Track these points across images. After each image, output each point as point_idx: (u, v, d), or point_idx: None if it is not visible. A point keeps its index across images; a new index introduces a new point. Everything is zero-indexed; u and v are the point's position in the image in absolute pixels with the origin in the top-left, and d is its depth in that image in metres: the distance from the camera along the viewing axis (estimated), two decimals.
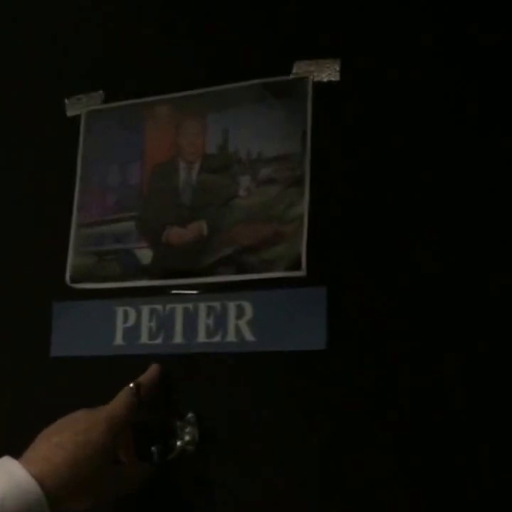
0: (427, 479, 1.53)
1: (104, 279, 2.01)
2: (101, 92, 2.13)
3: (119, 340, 1.97)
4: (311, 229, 1.79)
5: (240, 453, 1.86)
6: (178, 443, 1.92)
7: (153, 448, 1.89)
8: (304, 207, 1.81)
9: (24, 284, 2.19)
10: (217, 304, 1.86)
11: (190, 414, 1.93)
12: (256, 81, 1.89)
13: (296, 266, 1.79)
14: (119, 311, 1.97)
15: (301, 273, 1.79)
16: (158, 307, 1.93)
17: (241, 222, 1.87)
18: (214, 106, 1.91)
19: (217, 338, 1.85)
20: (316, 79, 1.82)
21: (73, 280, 2.05)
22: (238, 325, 1.83)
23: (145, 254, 1.98)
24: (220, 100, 1.91)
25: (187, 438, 1.93)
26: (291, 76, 1.85)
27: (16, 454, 1.52)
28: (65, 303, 2.04)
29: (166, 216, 1.97)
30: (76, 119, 2.24)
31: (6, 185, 2.16)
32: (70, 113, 2.28)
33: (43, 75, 2.17)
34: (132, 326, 1.95)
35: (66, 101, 2.28)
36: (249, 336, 1.82)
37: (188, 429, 1.93)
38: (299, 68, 1.84)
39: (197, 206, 1.93)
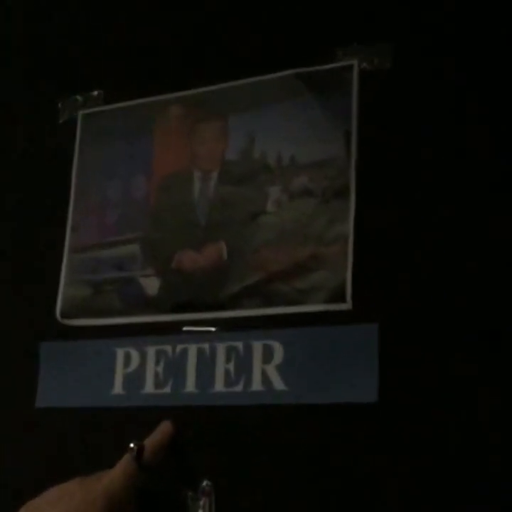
0: None
1: (102, 314, 1.83)
2: (100, 91, 1.94)
3: (118, 388, 1.77)
4: (357, 251, 1.57)
5: None
6: None
7: None
8: (348, 224, 1.58)
9: (7, 320, 1.98)
10: (239, 344, 1.64)
11: (205, 483, 1.64)
12: (288, 72, 1.68)
13: (340, 297, 1.56)
14: (120, 353, 1.77)
15: (346, 306, 1.56)
16: (167, 348, 1.70)
17: (269, 243, 1.65)
18: (236, 104, 1.73)
19: (238, 387, 1.62)
20: (363, 67, 1.61)
21: (64, 315, 1.88)
22: (265, 370, 1.60)
23: (151, 284, 1.76)
24: (244, 97, 1.72)
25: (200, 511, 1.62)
26: (332, 65, 1.64)
27: None
28: (55, 343, 1.87)
29: (177, 237, 1.75)
30: (71, 123, 2.02)
31: None
32: (64, 117, 2.04)
33: (32, 75, 2.11)
34: (135, 370, 1.73)
35: (59, 104, 2.05)
36: (278, 385, 1.59)
37: (202, 501, 1.63)
38: (343, 55, 1.64)
39: (215, 225, 1.71)
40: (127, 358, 1.77)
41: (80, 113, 2.00)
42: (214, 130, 1.76)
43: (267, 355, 1.59)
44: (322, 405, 1.57)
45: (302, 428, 1.59)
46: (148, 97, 1.85)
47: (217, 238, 1.69)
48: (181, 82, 1.80)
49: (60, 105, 2.03)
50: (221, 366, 1.67)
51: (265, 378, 1.59)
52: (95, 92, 1.99)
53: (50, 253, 1.94)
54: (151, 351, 1.75)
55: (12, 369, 1.93)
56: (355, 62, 1.62)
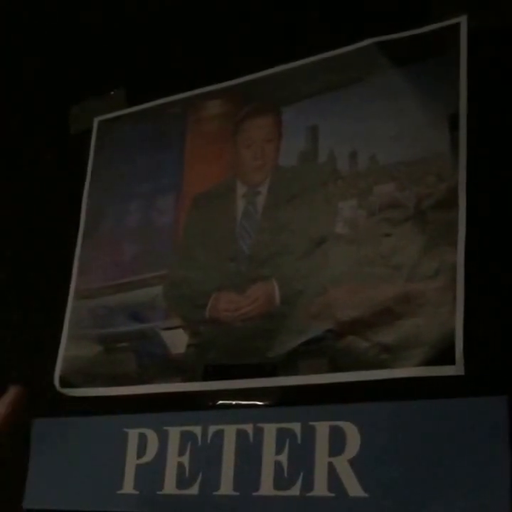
0: None
1: (112, 381, 1.48)
2: (120, 90, 1.66)
3: (129, 486, 1.39)
4: (470, 288, 1.18)
5: None
6: None
7: None
8: (456, 248, 1.20)
9: None
10: (295, 427, 1.26)
11: None
12: (365, 42, 1.38)
13: (445, 356, 1.17)
14: (133, 436, 1.42)
15: (455, 370, 1.16)
16: (196, 430, 1.36)
17: (340, 280, 1.29)
18: (292, 92, 1.46)
19: (294, 491, 1.24)
20: (473, 26, 1.28)
21: (64, 383, 1.53)
22: (334, 466, 1.21)
23: (177, 339, 1.44)
24: (301, 81, 1.44)
25: None
26: (429, 26, 1.31)
27: None
28: (51, 420, 1.52)
29: (213, 275, 1.43)
30: (84, 134, 1.69)
31: None
32: (77, 127, 1.70)
33: (40, 77, 1.80)
34: (152, 461, 1.38)
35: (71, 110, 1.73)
36: (353, 489, 1.18)
37: None
38: (440, 10, 1.31)
39: (264, 257, 1.39)
40: (142, 443, 1.41)
41: (96, 120, 1.69)
42: (264, 127, 1.46)
43: (337, 444, 1.22)
44: None
45: None
46: (179, 93, 1.59)
47: (267, 275, 1.37)
48: (219, 71, 1.55)
49: (72, 112, 1.73)
50: (270, 457, 1.27)
51: (334, 478, 1.20)
52: (114, 92, 1.68)
53: (51, 300, 1.61)
54: (174, 433, 1.38)
55: None
56: (462, 19, 1.28)
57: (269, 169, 1.42)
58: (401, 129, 1.30)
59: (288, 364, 1.30)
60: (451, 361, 1.15)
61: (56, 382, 1.54)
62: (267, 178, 1.42)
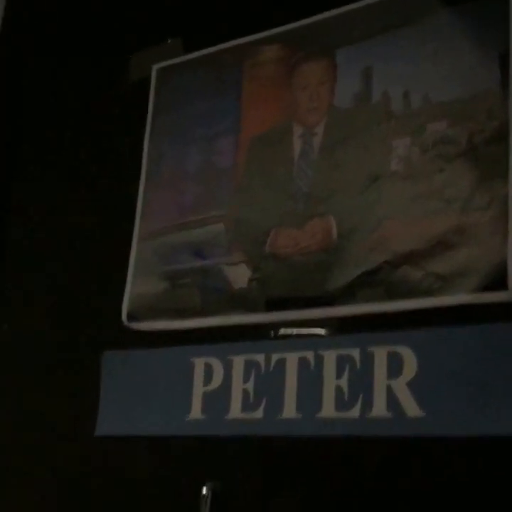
0: None
1: (178, 315, 1.52)
2: (177, 39, 1.68)
3: (196, 412, 1.45)
4: None
5: None
6: None
7: None
8: (508, 183, 1.22)
9: (62, 324, 1.68)
10: (355, 352, 1.31)
11: None
12: None
13: (497, 283, 1.19)
14: (199, 365, 1.47)
15: (507, 296, 1.18)
16: (259, 358, 1.41)
17: (395, 214, 1.32)
18: (345, 34, 1.47)
19: (354, 412, 1.29)
20: None
21: (132, 317, 1.57)
22: (392, 388, 1.26)
23: (240, 273, 1.47)
24: (355, 24, 1.46)
25: None
26: None
27: None
28: (120, 352, 1.57)
29: (272, 213, 1.46)
30: (143, 81, 1.71)
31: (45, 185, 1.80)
32: (136, 75, 1.73)
33: (97, 29, 1.83)
34: (218, 388, 1.43)
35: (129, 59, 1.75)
36: (411, 408, 1.23)
37: None
38: None
39: (320, 194, 1.41)
40: (208, 372, 1.46)
41: (155, 68, 1.71)
42: (318, 70, 1.48)
43: (395, 367, 1.27)
44: (474, 438, 1.18)
45: (444, 469, 1.20)
46: (235, 39, 1.60)
47: (324, 212, 1.40)
48: (274, 16, 1.56)
49: (131, 60, 1.75)
50: (331, 382, 1.32)
51: (392, 400, 1.26)
52: (171, 41, 1.70)
53: (117, 241, 1.65)
54: (238, 362, 1.43)
55: (70, 385, 1.63)
56: None
57: (324, 111, 1.44)
58: (452, 68, 1.32)
59: (346, 295, 1.34)
60: (504, 287, 1.18)
61: (124, 317, 1.57)
62: (322, 119, 1.44)
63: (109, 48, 1.79)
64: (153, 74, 1.70)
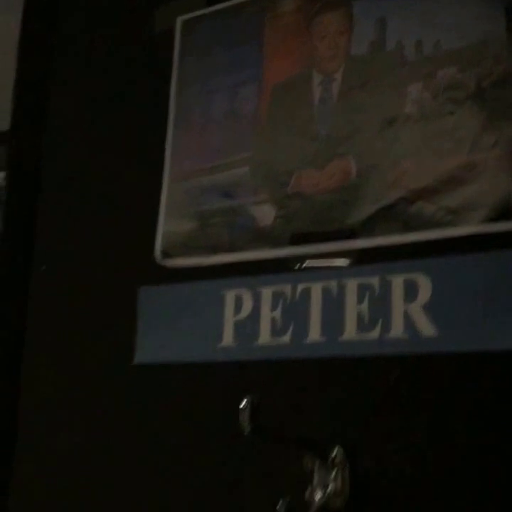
0: None
1: (208, 251, 1.61)
2: None
3: (228, 339, 1.55)
4: None
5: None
6: (319, 494, 1.34)
7: (280, 501, 1.34)
8: None
9: (100, 263, 1.77)
10: (374, 281, 1.41)
11: (336, 451, 1.36)
12: None
13: (504, 214, 1.29)
14: (230, 296, 1.56)
15: None
16: (286, 289, 1.50)
17: (410, 154, 1.41)
18: None
19: (374, 334, 1.39)
20: None
21: (165, 254, 1.66)
22: (408, 311, 1.36)
23: (265, 212, 1.55)
24: None
25: (331, 486, 1.35)
26: None
27: None
28: (155, 287, 1.66)
29: (295, 155, 1.54)
30: (167, 33, 1.78)
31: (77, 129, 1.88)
32: (161, 26, 1.80)
33: None
34: (248, 317, 1.53)
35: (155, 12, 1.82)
36: (426, 329, 1.34)
37: (333, 474, 1.35)
38: None
39: (340, 137, 1.49)
40: (238, 302, 1.55)
41: (179, 20, 1.77)
42: (336, 20, 1.55)
43: (411, 293, 1.36)
44: (483, 354, 1.29)
45: (456, 382, 1.31)
46: None
47: (343, 153, 1.48)
48: None
49: (156, 14, 1.82)
50: (352, 308, 1.42)
51: (408, 321, 1.36)
52: None
53: (148, 183, 1.73)
54: (266, 293, 1.52)
55: (108, 319, 1.72)
56: None
57: (342, 58, 1.52)
58: (462, 18, 1.39)
59: (365, 228, 1.42)
60: (510, 218, 1.28)
61: (157, 254, 1.65)
62: (340, 66, 1.52)
63: (135, 2, 1.85)
64: (178, 26, 1.76)
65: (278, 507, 1.33)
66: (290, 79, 1.58)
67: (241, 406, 1.30)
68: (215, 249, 1.60)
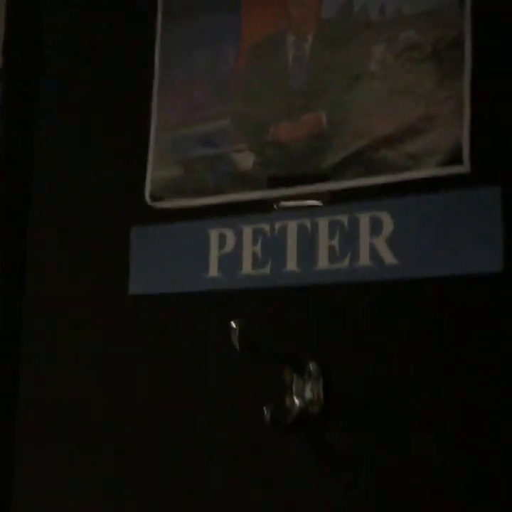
0: None
1: (194, 194, 1.76)
2: None
3: (213, 271, 1.71)
4: (475, 108, 1.47)
5: (377, 416, 1.51)
6: (297, 402, 1.54)
7: (264, 408, 1.51)
8: (464, 79, 1.48)
9: (95, 206, 1.91)
10: (343, 218, 1.58)
11: (311, 365, 1.55)
12: None
13: (455, 159, 1.47)
14: (214, 234, 1.72)
15: (463, 169, 1.47)
16: (265, 226, 1.66)
17: (374, 107, 1.57)
18: None
19: (344, 264, 1.57)
20: None
21: (155, 198, 1.81)
22: (373, 244, 1.54)
23: (245, 158, 1.70)
24: None
25: (308, 396, 1.54)
26: None
27: None
28: (146, 227, 1.81)
29: (271, 108, 1.69)
30: None
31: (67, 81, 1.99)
32: None
33: None
34: (231, 252, 1.69)
35: None
36: (389, 259, 1.52)
37: (309, 385, 1.55)
38: None
39: (312, 92, 1.64)
40: (222, 239, 1.71)
41: None
42: None
43: (375, 228, 1.54)
44: (438, 278, 1.47)
45: (414, 305, 1.50)
46: None
47: (315, 106, 1.64)
48: None
49: None
50: (324, 242, 1.60)
51: (374, 253, 1.54)
52: None
53: (136, 135, 1.86)
54: (247, 230, 1.68)
55: (103, 256, 1.88)
56: None
57: (313, 21, 1.65)
58: None
59: (336, 173, 1.58)
60: (460, 162, 1.46)
61: (147, 198, 1.79)
62: (312, 28, 1.65)
63: None
64: None
65: (265, 412, 1.52)
66: (266, 39, 1.72)
67: (232, 326, 1.49)
68: (200, 193, 1.74)
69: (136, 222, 1.82)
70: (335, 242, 1.58)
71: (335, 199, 1.59)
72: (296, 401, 1.54)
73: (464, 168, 1.46)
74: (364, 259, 1.54)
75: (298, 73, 1.67)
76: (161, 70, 1.85)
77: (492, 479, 1.39)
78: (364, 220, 1.55)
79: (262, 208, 1.67)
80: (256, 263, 1.66)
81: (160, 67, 1.85)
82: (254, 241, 1.67)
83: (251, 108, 1.72)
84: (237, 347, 1.50)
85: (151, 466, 1.71)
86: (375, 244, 1.54)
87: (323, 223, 1.60)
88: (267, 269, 1.65)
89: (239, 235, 1.69)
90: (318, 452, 1.55)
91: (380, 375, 1.52)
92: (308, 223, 1.61)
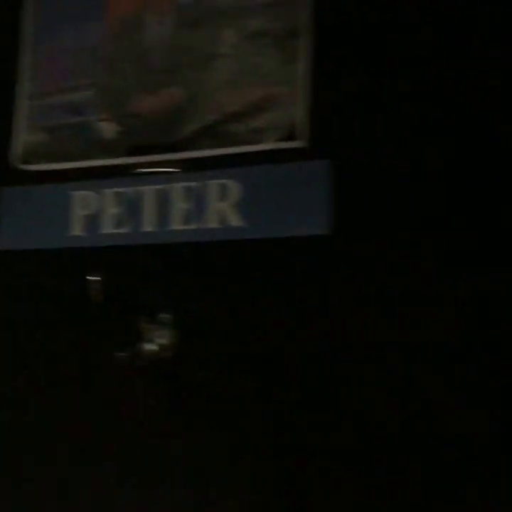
0: None
1: (60, 159, 1.89)
2: None
3: (77, 230, 1.84)
4: (311, 90, 1.64)
5: (225, 358, 1.68)
6: (148, 347, 1.70)
7: (121, 354, 1.68)
8: (302, 63, 1.65)
9: None
10: (195, 185, 1.74)
11: (162, 315, 1.71)
12: None
13: (292, 135, 1.65)
14: (76, 197, 1.85)
15: (299, 144, 1.65)
16: (125, 190, 1.80)
17: (225, 85, 1.73)
18: None
19: (195, 225, 1.73)
20: None
21: (23, 161, 1.93)
22: (222, 208, 1.71)
23: (108, 128, 1.84)
24: None
25: (161, 341, 1.70)
26: None
27: None
28: (15, 188, 1.92)
29: (132, 82, 1.83)
30: None
31: None
32: None
33: None
34: (93, 213, 1.83)
35: None
36: (235, 221, 1.70)
37: (161, 332, 1.70)
38: None
39: (170, 69, 1.79)
40: (85, 201, 1.83)
41: None
42: None
43: (224, 194, 1.70)
44: (277, 239, 1.65)
45: (258, 262, 1.67)
46: None
47: (173, 82, 1.78)
48: None
49: None
50: (178, 206, 1.75)
51: (222, 216, 1.70)
52: None
53: (3, 101, 1.95)
54: (108, 194, 1.82)
55: None
56: None
57: (171, 4, 1.79)
58: None
59: (189, 143, 1.73)
60: (296, 138, 1.63)
61: (16, 161, 1.90)
62: (170, 11, 1.79)
63: None
64: None
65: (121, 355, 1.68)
66: (128, 17, 1.84)
67: (92, 278, 1.64)
68: (65, 157, 1.86)
69: (5, 184, 1.92)
70: (188, 206, 1.74)
71: (188, 168, 1.75)
72: (150, 347, 1.70)
73: (300, 143, 1.64)
74: (213, 221, 1.71)
75: (158, 52, 1.81)
76: (29, 40, 1.95)
77: None
78: (213, 187, 1.71)
79: (123, 173, 1.81)
80: (116, 223, 1.80)
81: (28, 38, 1.95)
82: (116, 203, 1.80)
83: (114, 81, 1.85)
84: (95, 299, 1.64)
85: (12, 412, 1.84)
86: (223, 208, 1.70)
87: (177, 189, 1.75)
88: (127, 229, 1.79)
89: (101, 197, 1.82)
90: (170, 392, 1.71)
91: (225, 324, 1.69)
92: (164, 188, 1.76)
